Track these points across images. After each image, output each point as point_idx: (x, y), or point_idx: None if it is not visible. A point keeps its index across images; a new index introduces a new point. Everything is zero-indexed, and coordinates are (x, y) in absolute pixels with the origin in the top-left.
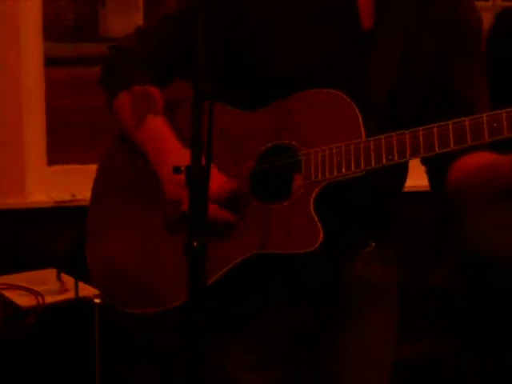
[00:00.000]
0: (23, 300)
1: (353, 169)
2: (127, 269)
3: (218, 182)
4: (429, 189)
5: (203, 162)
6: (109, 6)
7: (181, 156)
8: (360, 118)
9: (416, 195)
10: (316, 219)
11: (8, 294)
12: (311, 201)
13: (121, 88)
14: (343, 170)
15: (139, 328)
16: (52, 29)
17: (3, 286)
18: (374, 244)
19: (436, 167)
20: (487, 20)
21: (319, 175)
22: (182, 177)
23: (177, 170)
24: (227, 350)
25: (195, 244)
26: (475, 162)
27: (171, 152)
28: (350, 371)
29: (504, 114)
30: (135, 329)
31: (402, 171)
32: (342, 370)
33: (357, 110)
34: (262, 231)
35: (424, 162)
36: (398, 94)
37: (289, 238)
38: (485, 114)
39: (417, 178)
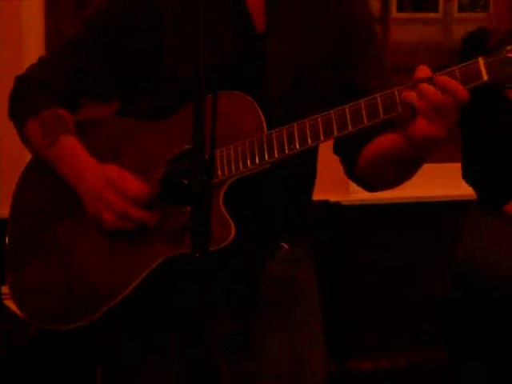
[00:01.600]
0: None
1: (257, 162)
2: (57, 286)
3: (138, 184)
4: (431, 200)
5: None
6: None
7: (98, 173)
8: (261, 114)
9: (416, 207)
10: (226, 215)
11: (11, 304)
12: (220, 198)
13: (27, 116)
14: (248, 164)
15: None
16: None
17: (7, 296)
18: (286, 246)
19: (347, 155)
20: None
21: (226, 172)
22: (101, 190)
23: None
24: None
25: (198, 254)
26: (376, 146)
27: (88, 169)
28: (273, 370)
29: (396, 92)
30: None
31: (310, 172)
32: (265, 370)
33: (257, 107)
34: (173, 234)
35: (336, 151)
36: (294, 93)
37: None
38: (378, 94)
39: (421, 189)
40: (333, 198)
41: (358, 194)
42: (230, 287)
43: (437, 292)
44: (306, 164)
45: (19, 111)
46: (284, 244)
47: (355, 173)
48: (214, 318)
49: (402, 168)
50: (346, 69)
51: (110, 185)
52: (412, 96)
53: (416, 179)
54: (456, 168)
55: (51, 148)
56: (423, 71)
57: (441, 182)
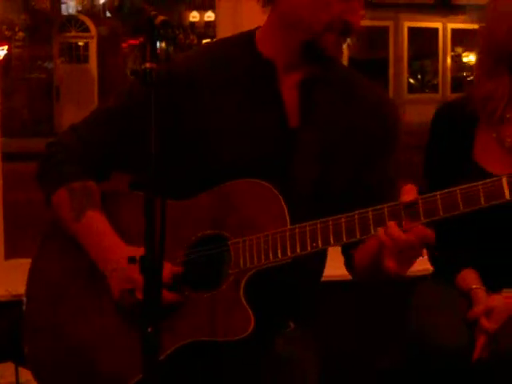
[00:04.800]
0: None
1: (280, 256)
2: (75, 358)
3: (165, 266)
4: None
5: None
6: (63, 100)
7: (119, 253)
8: (285, 209)
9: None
10: (247, 306)
11: None
12: (241, 288)
13: (59, 184)
14: (271, 258)
15: None
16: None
17: None
18: (293, 325)
19: (346, 250)
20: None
21: (248, 263)
22: (126, 272)
23: (131, 259)
24: None
25: (150, 330)
26: (362, 251)
27: (111, 249)
28: None
29: (439, 196)
30: None
31: (321, 258)
32: None
33: (282, 201)
34: (194, 320)
35: (344, 252)
36: (321, 187)
37: (221, 326)
38: (401, 202)
39: None
40: None
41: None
42: (234, 365)
43: (387, 366)
44: (320, 253)
45: (51, 178)
46: (291, 323)
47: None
48: None
49: (376, 274)
50: (367, 172)
51: (126, 261)
52: (379, 233)
53: None
54: None
55: (77, 223)
56: (409, 193)
57: None
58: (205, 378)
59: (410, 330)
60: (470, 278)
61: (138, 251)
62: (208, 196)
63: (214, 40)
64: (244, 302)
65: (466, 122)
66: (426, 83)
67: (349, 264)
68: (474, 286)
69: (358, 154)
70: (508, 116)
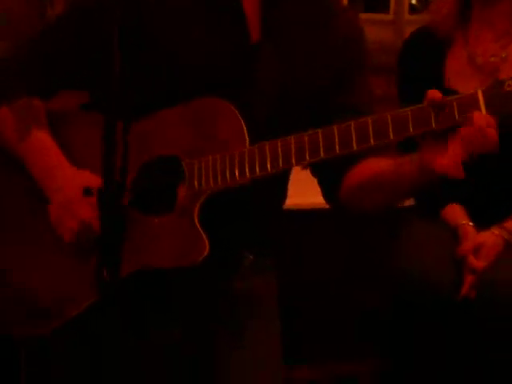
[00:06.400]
0: None
1: (238, 177)
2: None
3: None
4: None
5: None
6: None
7: (66, 176)
8: (244, 127)
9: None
10: (200, 230)
11: None
12: (195, 212)
13: (2, 101)
14: (228, 179)
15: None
16: None
17: None
18: (252, 257)
19: (328, 177)
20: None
21: (203, 184)
22: (68, 197)
23: (87, 191)
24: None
25: (105, 274)
26: (373, 168)
27: (59, 169)
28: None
29: (389, 117)
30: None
31: (283, 183)
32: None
33: (241, 119)
34: (142, 245)
35: (314, 172)
36: (283, 104)
37: (171, 252)
38: (369, 117)
39: None
40: None
41: (293, 199)
42: (186, 299)
43: (371, 300)
44: (281, 177)
45: None
46: (250, 255)
47: (338, 196)
48: (168, 334)
49: (402, 192)
50: (336, 90)
51: (79, 198)
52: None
53: None
54: None
55: (22, 142)
56: (436, 93)
57: None
58: (155, 311)
59: (396, 266)
60: (457, 213)
61: (85, 177)
62: (162, 116)
63: None
64: (198, 226)
65: (435, 49)
66: (428, 4)
67: (332, 193)
68: (463, 222)
69: (325, 70)
70: None
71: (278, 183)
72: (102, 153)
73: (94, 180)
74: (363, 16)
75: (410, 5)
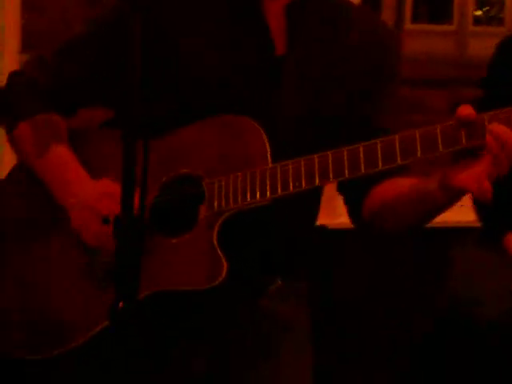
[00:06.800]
0: None
1: (258, 197)
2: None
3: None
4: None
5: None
6: None
7: (85, 187)
8: (267, 144)
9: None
10: (220, 253)
11: None
12: (215, 233)
13: (20, 118)
14: (248, 198)
15: None
16: None
17: None
18: (280, 281)
19: (353, 196)
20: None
21: (223, 204)
22: (89, 201)
23: (105, 221)
24: None
25: (121, 305)
26: (397, 187)
27: (78, 182)
28: None
29: (417, 135)
30: None
31: (313, 204)
32: None
33: (264, 136)
34: (159, 267)
35: (340, 190)
36: (309, 120)
37: (189, 274)
38: (397, 135)
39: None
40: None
41: (344, 217)
42: (215, 322)
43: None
44: (311, 197)
45: (12, 111)
46: (277, 279)
47: (362, 216)
48: (194, 353)
49: (426, 213)
50: (362, 104)
51: (100, 198)
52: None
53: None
54: None
55: (40, 157)
56: (467, 110)
57: None
58: (176, 336)
59: (450, 292)
60: None
61: (106, 185)
62: (182, 133)
63: None
64: (217, 248)
65: None
66: (491, 16)
67: (357, 212)
68: None
69: (352, 84)
70: None
71: (306, 203)
72: (123, 176)
73: (113, 187)
74: (426, 27)
75: (474, 16)
